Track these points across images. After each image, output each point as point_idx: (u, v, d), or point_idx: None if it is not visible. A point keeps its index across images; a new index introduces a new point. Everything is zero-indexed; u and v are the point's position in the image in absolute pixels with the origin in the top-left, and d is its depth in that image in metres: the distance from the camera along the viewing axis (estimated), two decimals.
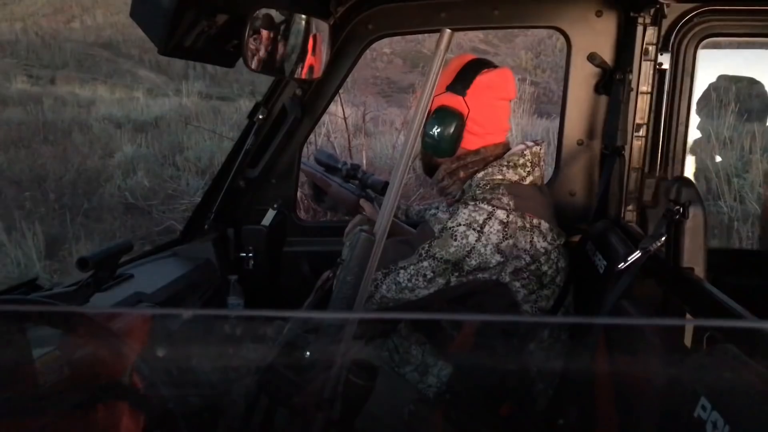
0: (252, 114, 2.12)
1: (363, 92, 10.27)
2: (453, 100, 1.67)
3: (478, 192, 1.66)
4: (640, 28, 1.94)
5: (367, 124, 6.75)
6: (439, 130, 1.67)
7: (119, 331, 1.04)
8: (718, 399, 0.88)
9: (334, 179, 2.12)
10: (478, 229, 1.58)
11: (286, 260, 2.30)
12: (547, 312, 1.66)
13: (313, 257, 2.29)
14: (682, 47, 2.03)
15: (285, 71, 1.58)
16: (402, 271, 1.62)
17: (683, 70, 2.05)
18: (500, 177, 1.67)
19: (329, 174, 2.14)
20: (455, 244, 1.59)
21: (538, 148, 1.74)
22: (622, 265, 1.51)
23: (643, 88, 2.00)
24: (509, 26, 2.19)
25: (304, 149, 2.41)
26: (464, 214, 1.60)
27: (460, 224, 1.59)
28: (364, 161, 5.66)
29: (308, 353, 1.33)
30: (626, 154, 2.00)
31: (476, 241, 1.58)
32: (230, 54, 1.55)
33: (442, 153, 1.72)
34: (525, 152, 1.71)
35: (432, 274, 1.61)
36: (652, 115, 2.02)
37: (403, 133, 6.74)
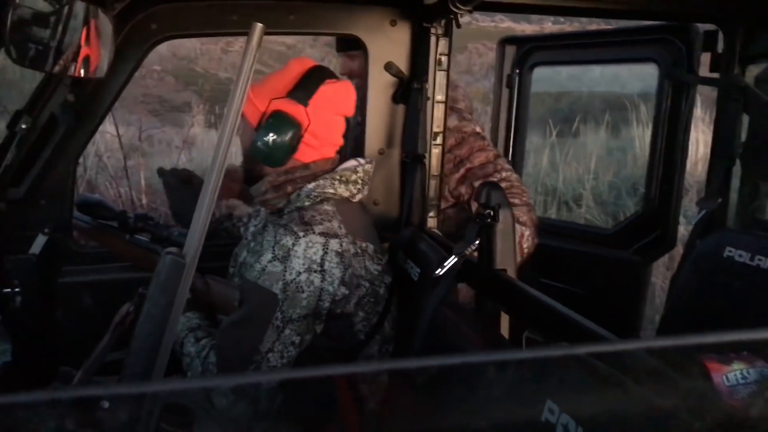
0: (12, 123, 1.78)
1: (133, 110, 9.57)
2: (293, 108, 1.55)
3: (307, 203, 1.56)
4: (433, 39, 1.99)
5: (142, 143, 6.25)
6: (274, 137, 1.53)
7: None
8: (565, 401, 0.87)
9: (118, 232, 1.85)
10: (319, 269, 1.49)
11: (62, 293, 1.98)
12: (374, 326, 1.61)
13: (95, 288, 2.00)
14: None
15: (58, 67, 1.33)
16: (270, 354, 1.48)
17: None
18: (332, 191, 1.59)
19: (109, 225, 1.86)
20: (305, 296, 1.48)
21: (369, 166, 1.70)
22: (439, 272, 1.51)
23: (439, 97, 2.05)
24: (305, 32, 2.12)
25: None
26: (299, 259, 1.48)
27: (300, 272, 1.47)
28: (143, 182, 5.23)
29: (106, 404, 1.13)
30: (426, 161, 2.04)
31: (321, 281, 1.49)
32: None
33: (273, 162, 1.58)
34: (358, 169, 1.66)
35: (299, 337, 1.50)
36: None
37: (185, 153, 6.38)
